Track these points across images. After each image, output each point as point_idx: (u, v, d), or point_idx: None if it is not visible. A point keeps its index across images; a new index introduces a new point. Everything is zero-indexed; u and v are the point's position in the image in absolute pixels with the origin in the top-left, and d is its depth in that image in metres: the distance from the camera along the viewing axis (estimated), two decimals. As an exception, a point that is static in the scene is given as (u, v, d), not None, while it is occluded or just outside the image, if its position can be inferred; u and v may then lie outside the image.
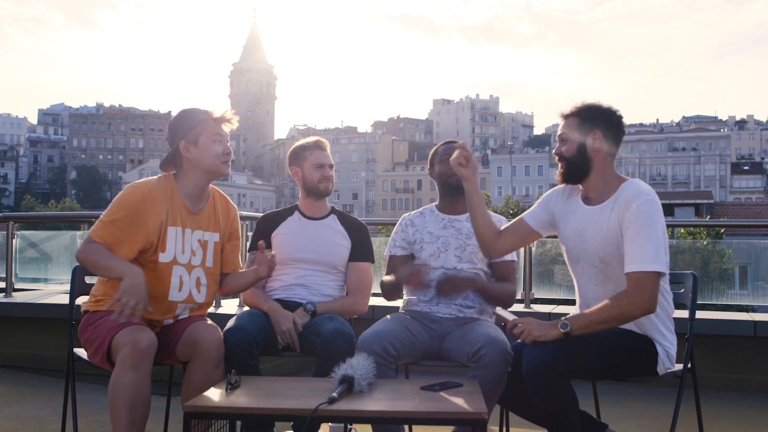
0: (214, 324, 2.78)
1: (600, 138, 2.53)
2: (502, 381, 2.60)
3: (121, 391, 2.44)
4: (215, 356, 2.65)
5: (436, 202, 3.18)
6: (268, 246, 3.16)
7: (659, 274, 2.37)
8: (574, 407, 2.44)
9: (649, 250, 2.35)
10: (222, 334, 2.74)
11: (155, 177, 2.82)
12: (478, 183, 2.71)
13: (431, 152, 3.19)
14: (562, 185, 2.72)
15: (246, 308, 3.17)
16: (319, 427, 2.57)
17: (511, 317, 2.53)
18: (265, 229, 3.26)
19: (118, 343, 2.50)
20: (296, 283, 3.15)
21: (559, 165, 2.65)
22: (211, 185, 2.91)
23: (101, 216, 2.71)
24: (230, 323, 2.86)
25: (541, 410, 2.43)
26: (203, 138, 2.77)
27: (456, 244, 3.00)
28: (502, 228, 2.79)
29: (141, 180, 2.81)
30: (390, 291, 3.05)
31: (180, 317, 2.82)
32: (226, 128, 2.84)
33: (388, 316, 2.96)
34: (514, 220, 2.80)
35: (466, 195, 2.71)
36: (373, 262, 3.29)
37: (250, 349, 2.76)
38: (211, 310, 4.86)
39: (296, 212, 3.29)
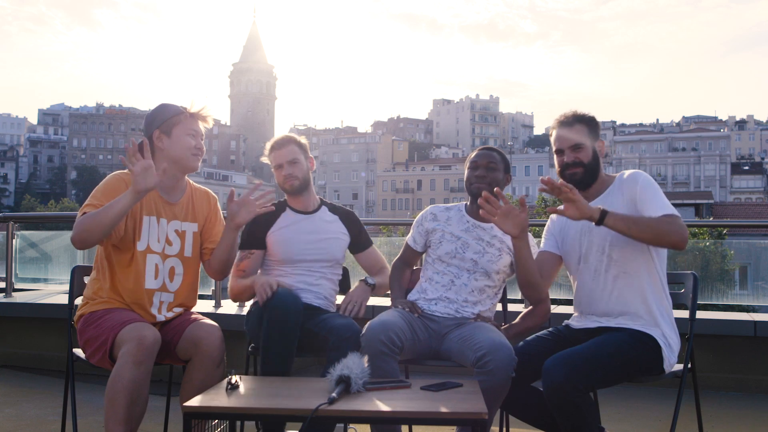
0: (215, 323, 2.78)
1: (602, 145, 2.78)
2: (506, 386, 2.59)
3: (121, 386, 2.43)
4: (217, 355, 2.66)
5: (467, 202, 3.08)
6: (264, 247, 3.11)
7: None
8: (594, 415, 2.52)
9: (666, 204, 2.56)
10: (221, 333, 2.73)
11: None
12: (526, 239, 2.72)
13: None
14: (553, 214, 2.79)
15: None
16: (334, 428, 2.59)
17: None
18: (257, 229, 3.09)
19: (123, 339, 2.50)
20: (298, 287, 3.07)
21: (576, 172, 2.68)
22: (187, 179, 2.94)
23: (87, 200, 2.72)
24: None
25: (561, 425, 2.45)
26: (177, 129, 2.81)
27: (476, 248, 2.94)
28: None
29: (122, 170, 2.81)
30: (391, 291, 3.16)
31: (161, 309, 2.80)
32: (202, 126, 2.87)
33: (393, 309, 2.93)
34: (537, 256, 2.85)
35: (513, 249, 2.75)
36: (372, 243, 3.32)
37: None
38: (210, 310, 4.86)
39: (287, 209, 3.18)
